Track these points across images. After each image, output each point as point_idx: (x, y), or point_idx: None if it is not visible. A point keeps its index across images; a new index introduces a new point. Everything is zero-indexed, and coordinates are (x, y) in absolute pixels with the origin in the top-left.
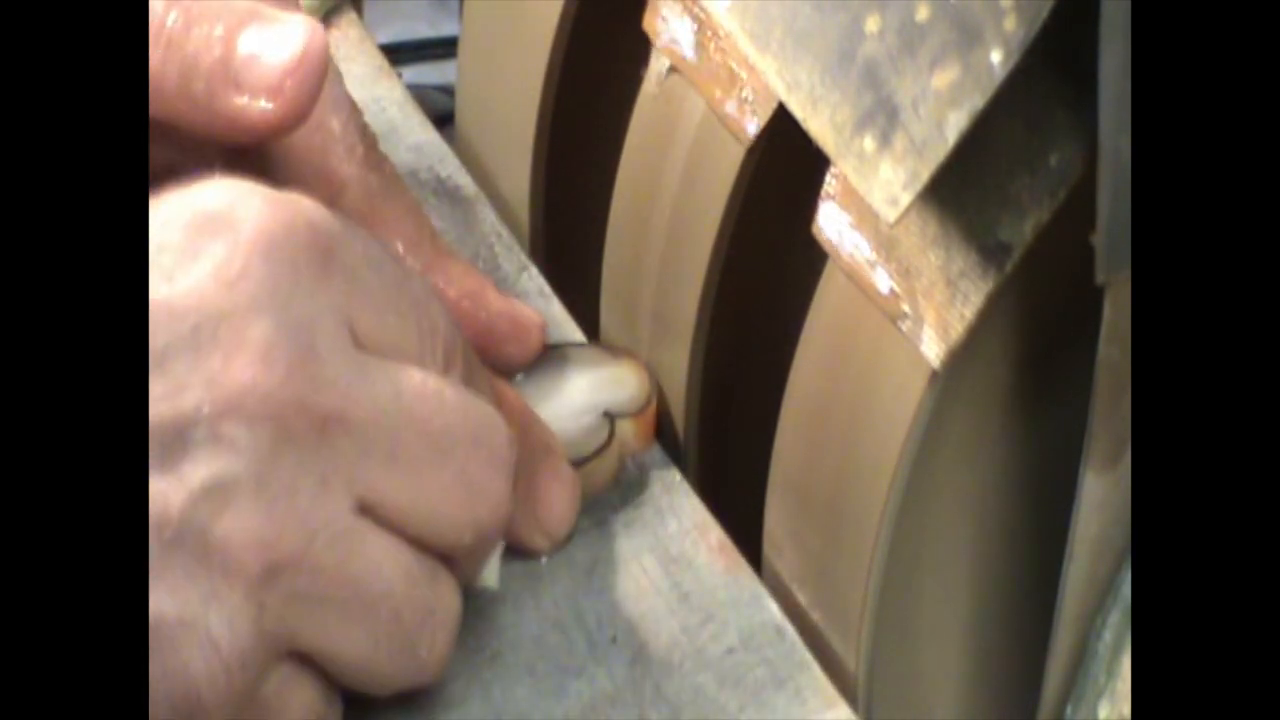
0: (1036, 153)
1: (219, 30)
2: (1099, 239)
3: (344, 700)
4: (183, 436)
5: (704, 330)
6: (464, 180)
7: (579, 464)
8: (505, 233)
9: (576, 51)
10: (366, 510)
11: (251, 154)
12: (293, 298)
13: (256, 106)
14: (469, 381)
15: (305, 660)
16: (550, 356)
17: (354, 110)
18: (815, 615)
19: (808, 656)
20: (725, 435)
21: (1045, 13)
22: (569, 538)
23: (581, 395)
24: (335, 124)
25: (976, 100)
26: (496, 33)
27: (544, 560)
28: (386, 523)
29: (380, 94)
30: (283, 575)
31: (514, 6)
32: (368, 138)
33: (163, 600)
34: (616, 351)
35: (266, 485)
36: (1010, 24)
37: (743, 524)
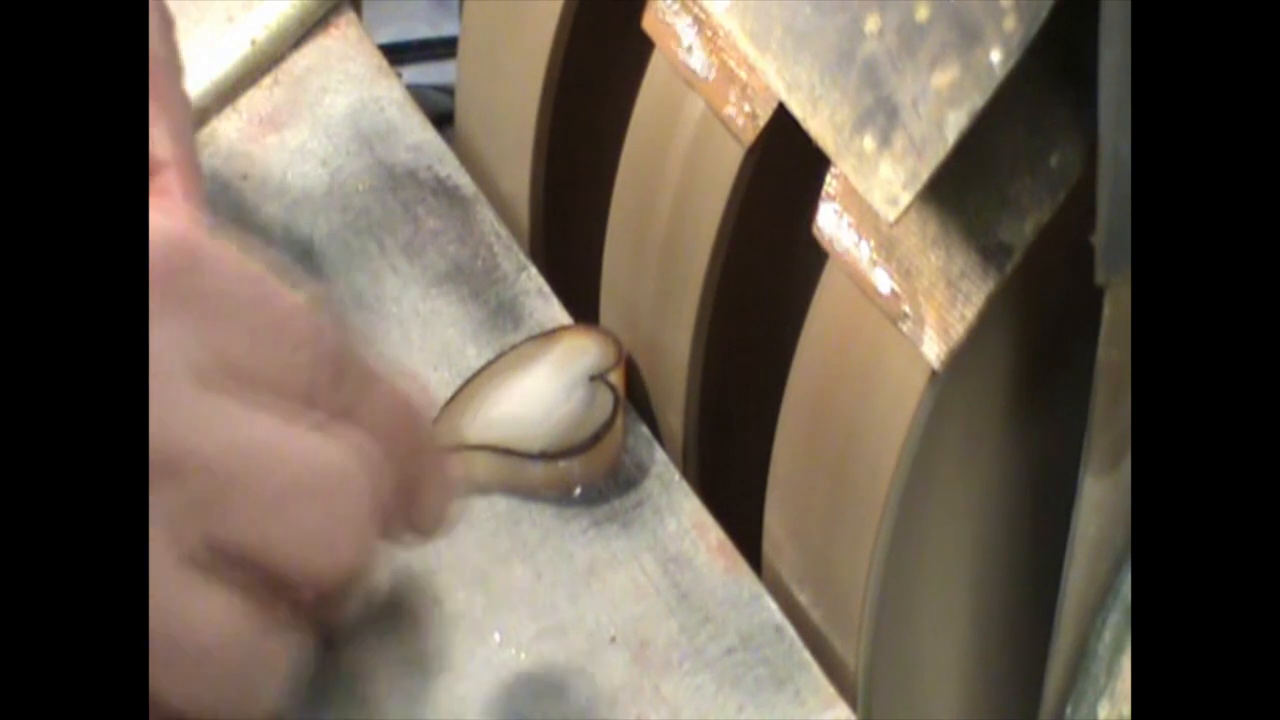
0: (1036, 153)
1: None
2: (1099, 239)
3: (343, 685)
4: None
5: (704, 330)
6: (463, 180)
7: (599, 436)
8: (505, 233)
9: (576, 51)
10: (207, 552)
11: None
12: None
13: None
14: (336, 395)
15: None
16: (494, 371)
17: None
18: (815, 615)
19: (807, 657)
20: (725, 435)
21: (1045, 13)
22: (448, 530)
23: (555, 379)
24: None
25: (976, 100)
26: (496, 33)
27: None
28: (226, 570)
29: (380, 94)
30: None
31: (514, 6)
32: (167, 18)
33: None
34: (549, 334)
35: None
36: (1010, 24)
37: (743, 524)
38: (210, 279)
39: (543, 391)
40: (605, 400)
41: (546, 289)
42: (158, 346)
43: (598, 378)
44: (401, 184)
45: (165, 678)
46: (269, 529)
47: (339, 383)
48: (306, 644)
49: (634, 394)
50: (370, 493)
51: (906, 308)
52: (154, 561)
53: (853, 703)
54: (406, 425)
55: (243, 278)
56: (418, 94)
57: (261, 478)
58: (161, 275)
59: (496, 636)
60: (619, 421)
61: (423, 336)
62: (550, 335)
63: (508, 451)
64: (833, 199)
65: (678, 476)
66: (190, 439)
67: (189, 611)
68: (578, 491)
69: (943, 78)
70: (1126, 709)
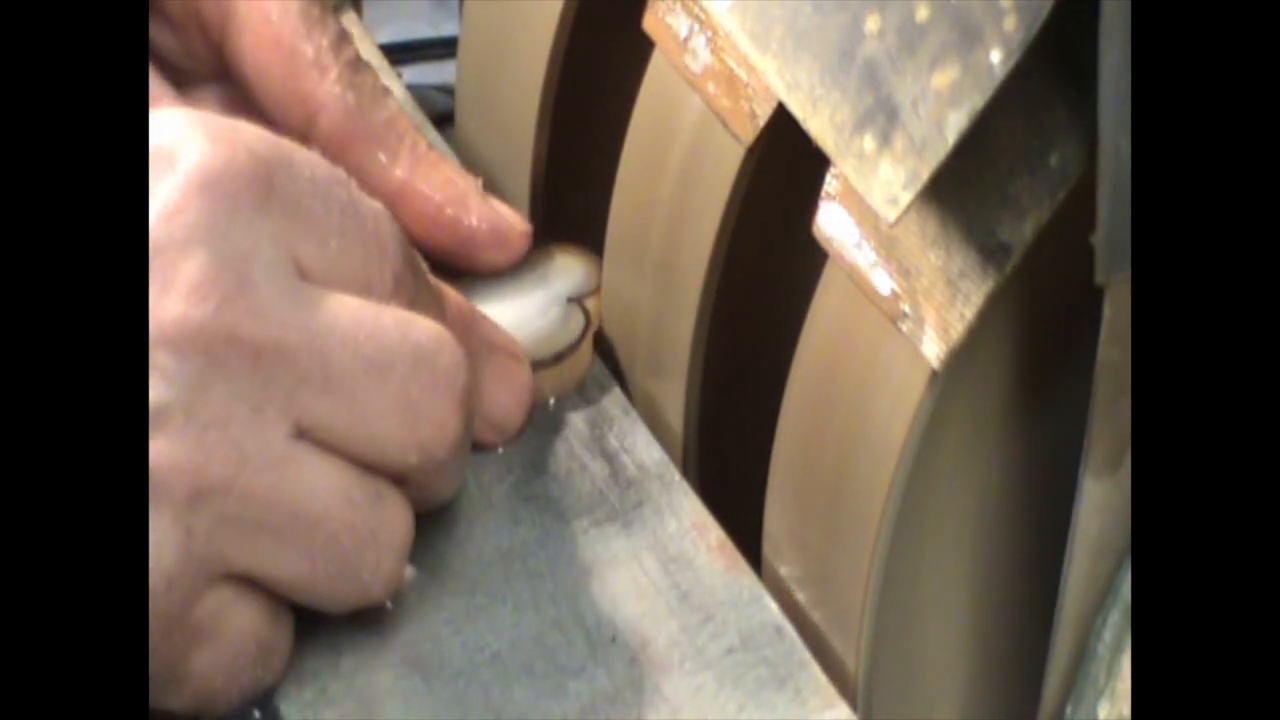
0: (1036, 153)
1: None
2: (1099, 239)
3: (343, 685)
4: None
5: (704, 329)
6: None
7: (561, 357)
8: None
9: (576, 51)
10: (306, 434)
11: (229, 76)
12: (230, 231)
13: None
14: (416, 296)
15: (247, 584)
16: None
17: (327, 28)
18: (815, 615)
19: (807, 656)
20: (725, 435)
21: (1045, 13)
22: (521, 432)
23: (534, 295)
24: (308, 49)
25: (976, 100)
26: (496, 33)
27: (500, 451)
28: (327, 446)
29: None
30: (211, 500)
31: (514, 6)
32: (343, 56)
33: None
34: (542, 250)
35: (196, 414)
36: (1010, 24)
37: (743, 524)
38: (304, 182)
39: (521, 304)
40: (576, 323)
41: None
42: (255, 242)
43: (574, 300)
44: None
45: (273, 549)
46: (362, 401)
47: (413, 285)
48: (409, 525)
49: (629, 381)
50: (465, 362)
51: (906, 307)
52: (264, 437)
53: (853, 703)
54: (470, 323)
55: (333, 181)
56: (418, 94)
57: (356, 350)
58: (257, 174)
59: (496, 636)
60: (585, 345)
61: None
62: (542, 251)
63: None
64: (833, 199)
65: (678, 476)
66: (288, 322)
67: (299, 482)
68: (551, 402)
69: (943, 78)
70: (1126, 709)
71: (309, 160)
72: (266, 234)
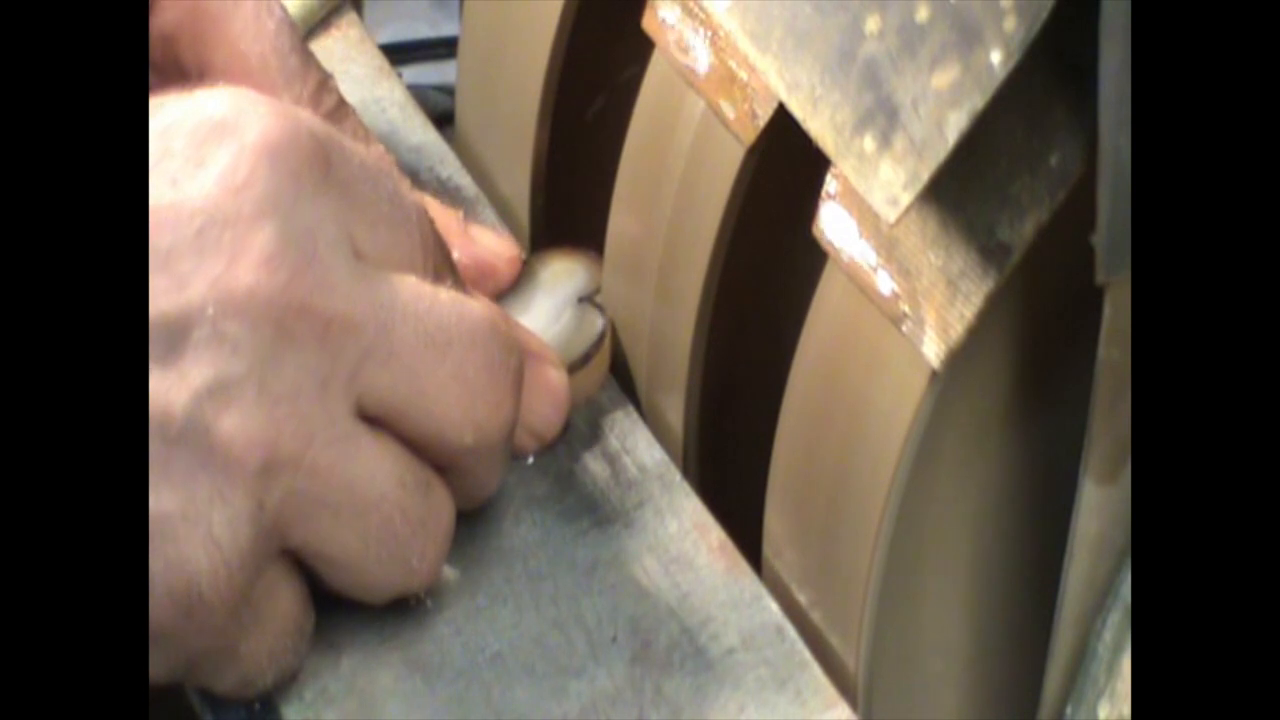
0: (1036, 153)
1: None
2: (1099, 239)
3: (343, 685)
4: (186, 333)
5: (704, 330)
6: (464, 180)
7: (589, 356)
8: (505, 233)
9: (576, 51)
10: (365, 411)
11: None
12: (296, 205)
13: None
14: (452, 286)
15: (291, 566)
16: None
17: (307, 80)
18: (815, 615)
19: (808, 657)
20: (726, 436)
21: (1045, 13)
22: (557, 437)
23: (544, 302)
24: (287, 99)
25: (976, 100)
26: (496, 33)
27: (530, 460)
28: (385, 424)
29: (380, 95)
30: (281, 474)
31: (514, 6)
32: (323, 107)
33: (167, 496)
34: (537, 258)
35: (268, 386)
36: (1010, 24)
37: (743, 524)
38: (356, 166)
39: (533, 314)
40: (593, 321)
41: None
42: (318, 218)
43: (585, 299)
44: None
45: (331, 527)
46: (422, 376)
47: (450, 281)
48: (453, 517)
49: (629, 382)
50: (516, 345)
51: (906, 308)
52: (330, 412)
53: (853, 703)
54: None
55: (380, 171)
56: (418, 94)
57: (416, 326)
58: (317, 151)
59: (496, 636)
60: (608, 341)
61: None
62: (538, 259)
63: None
64: (833, 199)
65: (679, 477)
66: (352, 297)
67: (359, 462)
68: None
69: (943, 78)
70: (1126, 709)
71: (356, 148)
72: (328, 211)
